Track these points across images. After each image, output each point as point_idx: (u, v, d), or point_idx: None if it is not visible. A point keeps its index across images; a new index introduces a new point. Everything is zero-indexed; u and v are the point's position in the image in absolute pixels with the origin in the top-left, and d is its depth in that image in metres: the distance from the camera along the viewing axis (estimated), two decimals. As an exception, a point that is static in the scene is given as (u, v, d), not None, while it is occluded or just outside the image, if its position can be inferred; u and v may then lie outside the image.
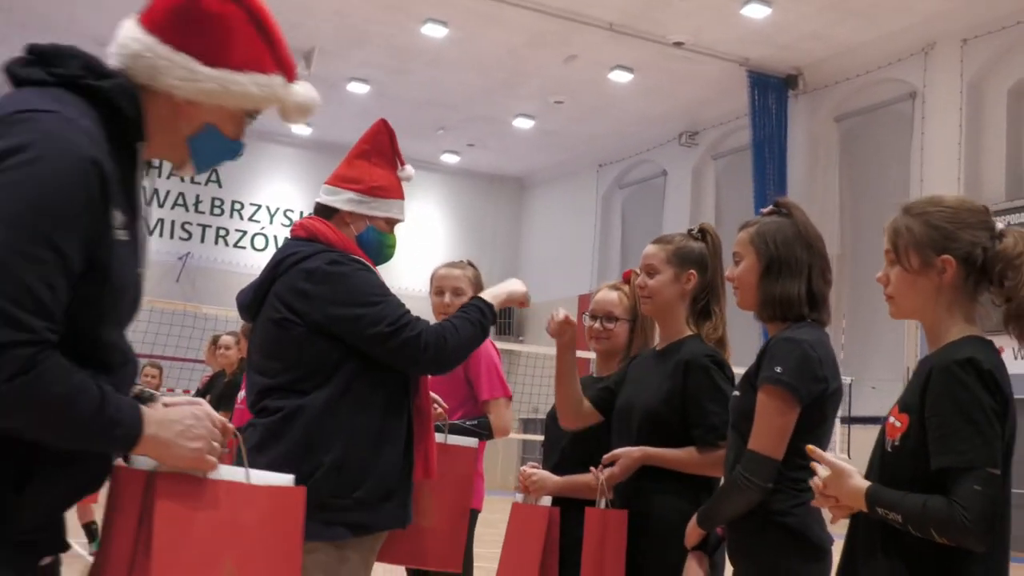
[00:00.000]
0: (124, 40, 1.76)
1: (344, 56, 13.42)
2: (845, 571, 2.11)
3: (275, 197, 17.99)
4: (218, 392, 8.22)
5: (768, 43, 12.42)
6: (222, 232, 17.79)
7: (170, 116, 1.76)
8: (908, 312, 2.15)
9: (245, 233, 17.97)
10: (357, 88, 14.58)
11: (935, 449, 1.91)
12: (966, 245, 2.07)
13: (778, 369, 2.44)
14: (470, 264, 3.81)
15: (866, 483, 1.99)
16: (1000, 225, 2.12)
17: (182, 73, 1.73)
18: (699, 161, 15.44)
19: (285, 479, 1.83)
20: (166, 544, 1.65)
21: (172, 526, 1.67)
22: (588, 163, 17.49)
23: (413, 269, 17.07)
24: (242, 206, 17.97)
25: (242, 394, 4.44)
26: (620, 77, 13.69)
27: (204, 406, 1.75)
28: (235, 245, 17.74)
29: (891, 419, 2.04)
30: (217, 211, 17.80)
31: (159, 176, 16.95)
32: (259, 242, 17.99)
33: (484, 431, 3.56)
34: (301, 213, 17.96)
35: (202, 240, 17.59)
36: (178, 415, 1.68)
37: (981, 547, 1.87)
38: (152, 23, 1.76)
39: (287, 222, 17.83)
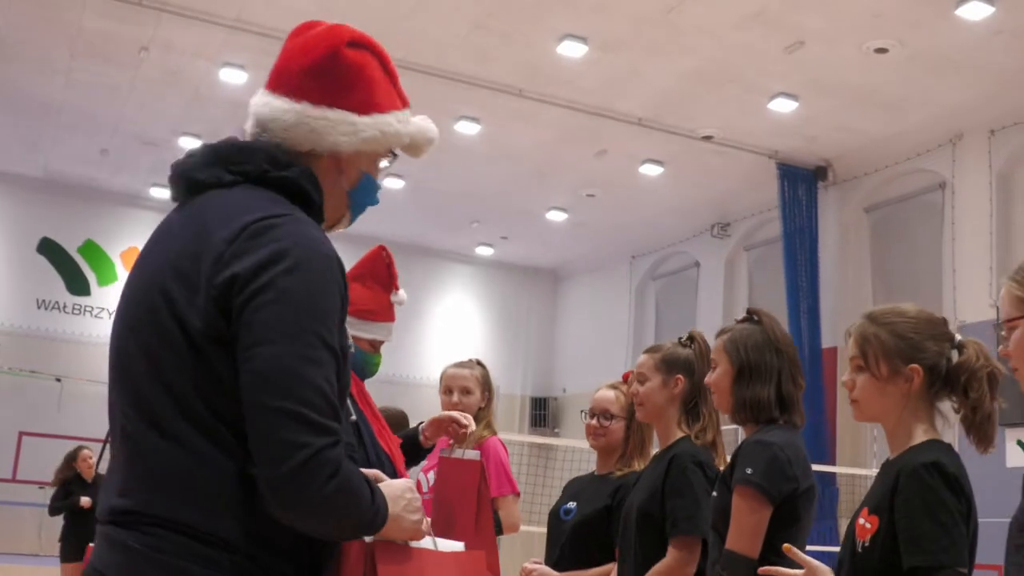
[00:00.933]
0: (273, 113, 1.76)
1: (380, 153, 13.71)
2: None
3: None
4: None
5: (796, 135, 12.58)
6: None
7: (334, 174, 1.80)
8: (873, 416, 2.26)
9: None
10: (393, 183, 14.86)
11: (905, 549, 2.00)
12: (932, 356, 2.19)
13: (748, 471, 2.57)
14: (479, 364, 3.96)
15: None
16: (958, 336, 2.25)
17: (345, 128, 1.76)
18: (732, 252, 15.52)
19: (458, 545, 1.91)
20: None
21: None
22: (621, 255, 17.63)
23: (449, 362, 17.14)
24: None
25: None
26: (650, 170, 13.88)
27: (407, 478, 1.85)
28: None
29: (860, 520, 2.12)
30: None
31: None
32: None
33: (495, 527, 3.65)
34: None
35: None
36: (399, 489, 1.75)
37: None
38: (294, 89, 1.76)
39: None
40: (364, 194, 1.89)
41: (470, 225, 17.10)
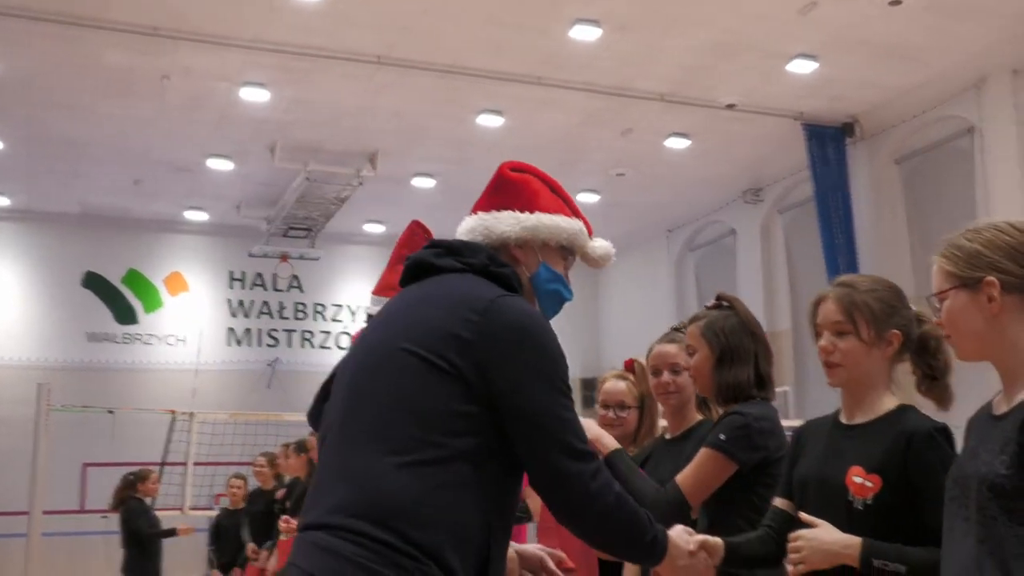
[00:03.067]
0: (459, 229, 2.30)
1: (406, 154, 13.84)
2: None
3: (354, 296, 18.31)
4: (297, 497, 8.43)
5: (819, 95, 12.53)
6: (307, 335, 18.23)
7: (514, 264, 2.25)
8: (854, 378, 2.38)
9: (329, 334, 18.36)
10: (422, 183, 14.97)
11: (932, 508, 2.07)
12: (907, 321, 2.33)
13: (722, 436, 2.71)
14: None
15: (853, 537, 2.14)
16: (914, 307, 2.38)
17: (509, 220, 2.27)
18: (766, 217, 15.50)
19: None
20: None
21: None
22: (657, 230, 17.65)
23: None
24: (324, 308, 18.41)
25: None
26: (677, 144, 13.88)
27: None
28: (320, 346, 18.16)
29: (855, 479, 2.21)
30: (300, 315, 18.26)
31: (242, 288, 17.49)
32: (344, 341, 18.39)
33: (523, 514, 3.77)
34: (381, 309, 18.34)
35: (288, 345, 18.01)
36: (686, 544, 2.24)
37: None
38: (479, 209, 2.30)
39: (368, 319, 18.19)
40: (545, 281, 2.34)
41: (503, 216, 17.16)
